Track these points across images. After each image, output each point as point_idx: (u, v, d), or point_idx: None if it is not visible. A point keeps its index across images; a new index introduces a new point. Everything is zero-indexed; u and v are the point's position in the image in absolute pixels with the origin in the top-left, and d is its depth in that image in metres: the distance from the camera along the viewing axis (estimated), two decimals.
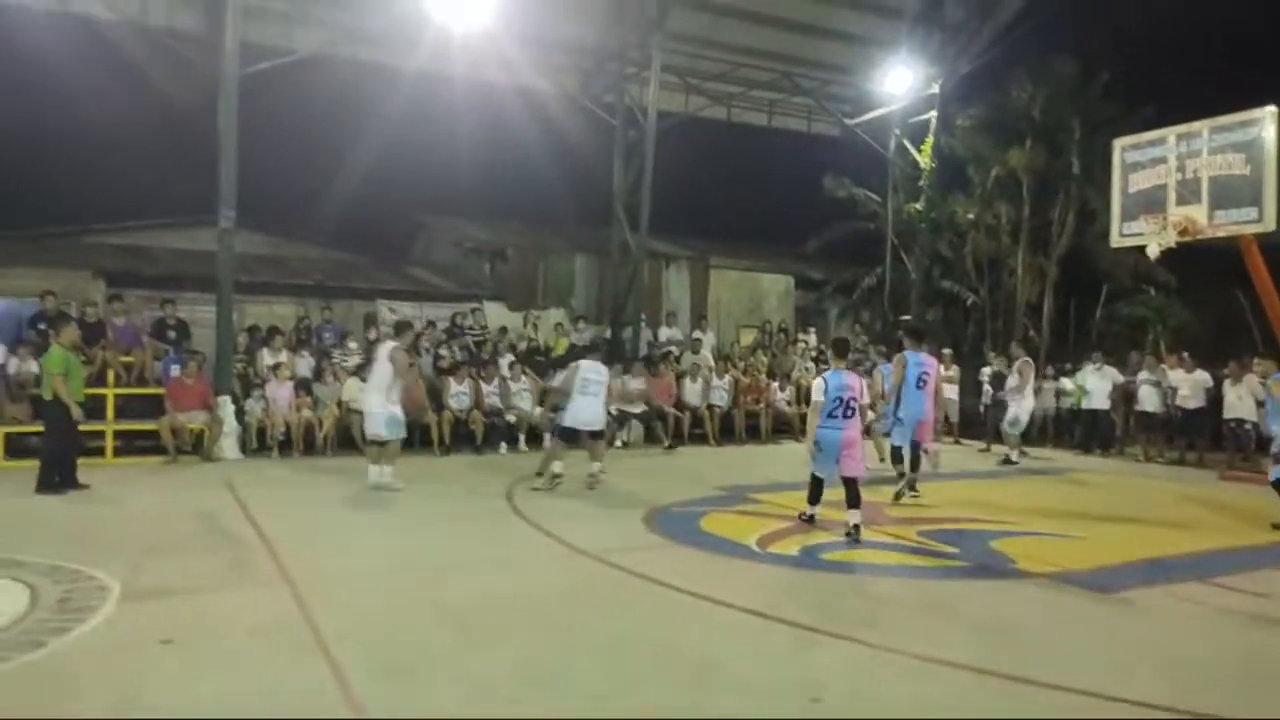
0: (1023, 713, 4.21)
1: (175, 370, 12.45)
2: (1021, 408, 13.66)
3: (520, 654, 4.77)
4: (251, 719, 3.92)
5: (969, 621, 5.57)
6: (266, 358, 13.35)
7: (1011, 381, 13.97)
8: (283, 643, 4.84)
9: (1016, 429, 13.64)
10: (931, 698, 4.36)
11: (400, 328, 10.57)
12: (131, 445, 12.20)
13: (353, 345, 14.28)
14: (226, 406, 12.38)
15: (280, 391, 12.74)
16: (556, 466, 10.15)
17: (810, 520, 8.25)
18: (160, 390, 12.30)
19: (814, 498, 8.24)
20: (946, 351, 15.69)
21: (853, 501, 7.82)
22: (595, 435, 10.49)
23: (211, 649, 4.74)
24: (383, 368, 9.90)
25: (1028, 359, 14.17)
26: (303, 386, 13.02)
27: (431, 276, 19.32)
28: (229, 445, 12.26)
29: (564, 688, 4.32)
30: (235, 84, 12.67)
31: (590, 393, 10.27)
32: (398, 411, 9.95)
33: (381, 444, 9.95)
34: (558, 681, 4.40)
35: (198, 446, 12.18)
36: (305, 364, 13.66)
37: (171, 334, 13.38)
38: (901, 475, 9.84)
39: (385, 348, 10.15)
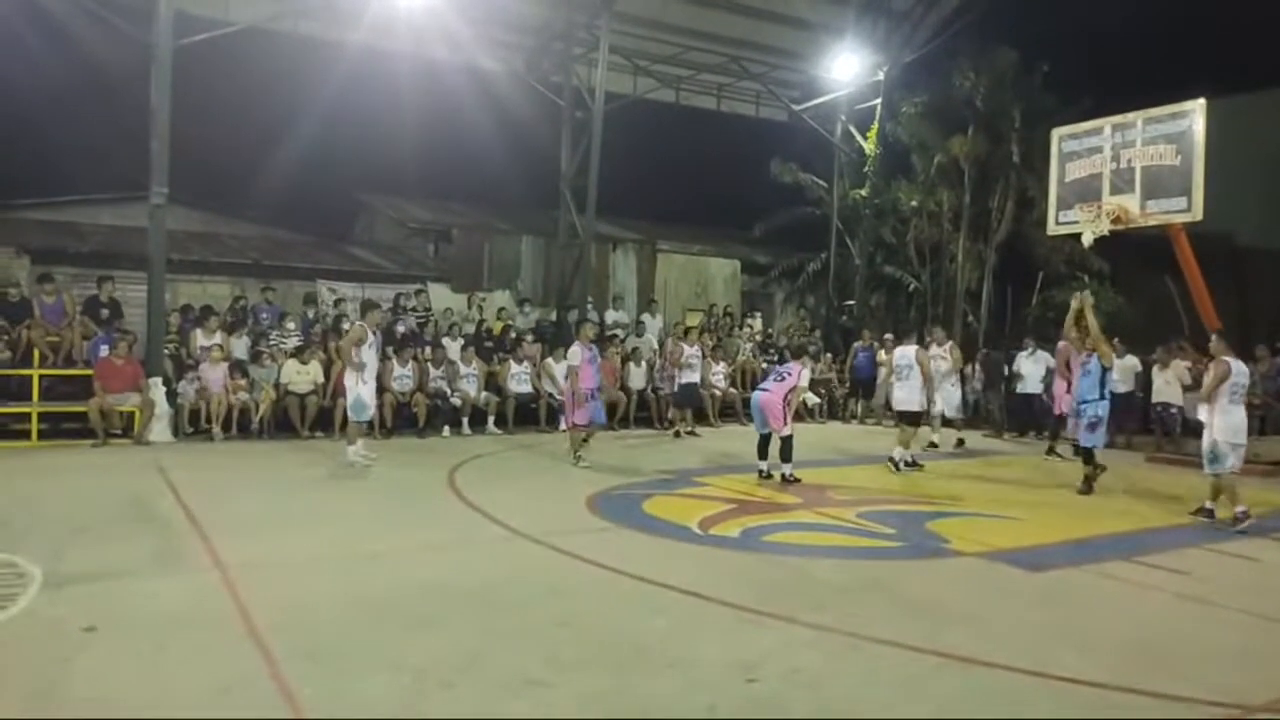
0: (956, 689, 4.30)
1: (105, 350, 12.07)
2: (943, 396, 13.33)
3: (456, 639, 4.72)
4: (179, 712, 3.82)
5: (904, 601, 5.67)
6: (200, 338, 13.01)
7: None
8: (212, 631, 4.72)
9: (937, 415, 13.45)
10: (866, 676, 4.42)
11: (366, 307, 10.81)
12: (58, 428, 11.83)
13: (290, 326, 13.98)
14: (158, 388, 12.05)
15: (214, 373, 12.44)
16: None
17: (762, 475, 9.87)
18: (89, 371, 11.92)
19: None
20: (888, 337, 15.91)
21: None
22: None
23: (137, 637, 4.60)
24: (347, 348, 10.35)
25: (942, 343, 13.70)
26: (238, 368, 12.72)
27: (374, 257, 18.99)
28: (160, 428, 11.94)
29: (499, 671, 4.29)
30: (169, 56, 12.29)
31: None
32: (364, 393, 10.17)
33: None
34: (493, 665, 4.37)
35: (128, 430, 11.84)
36: (241, 345, 13.35)
37: (104, 313, 12.96)
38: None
39: (355, 327, 10.44)
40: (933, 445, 13.20)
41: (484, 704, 3.95)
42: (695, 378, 14.64)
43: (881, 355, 16.19)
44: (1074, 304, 10.27)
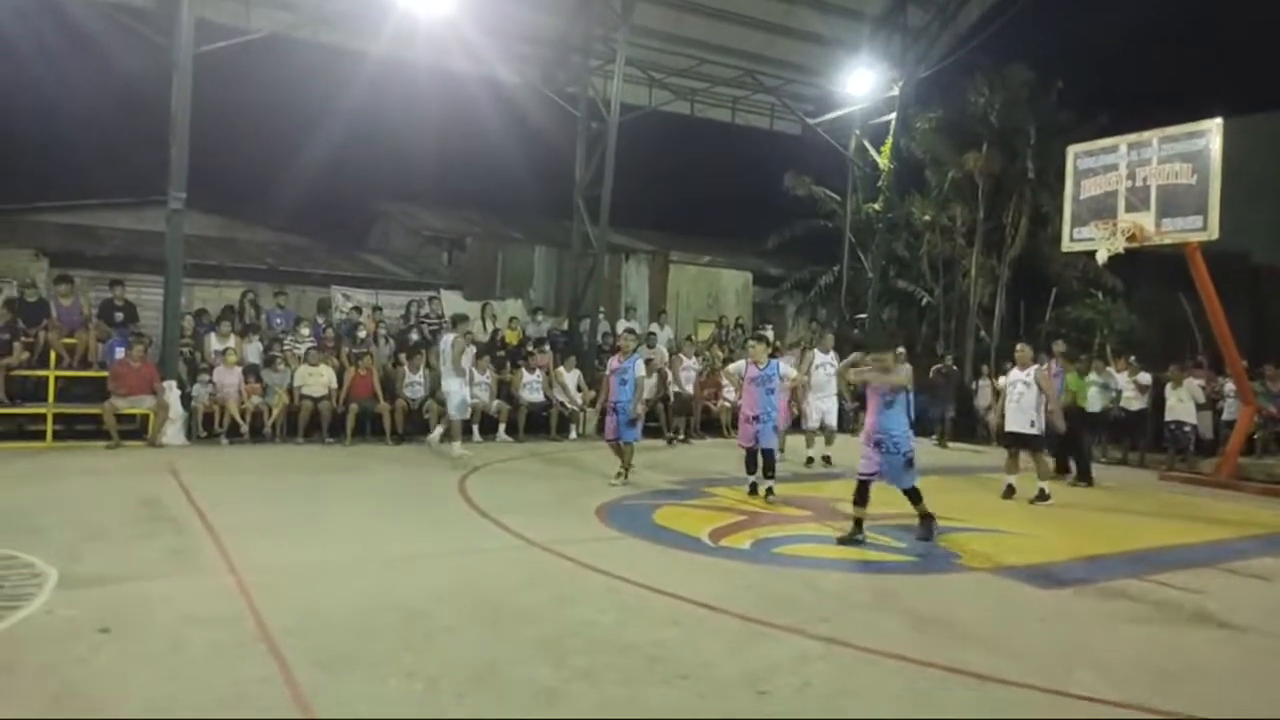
0: (967, 705, 4.28)
1: (120, 353, 12.16)
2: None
3: (468, 647, 4.73)
4: (192, 714, 3.84)
5: (915, 615, 5.65)
6: (214, 342, 13.10)
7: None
8: (225, 633, 4.75)
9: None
10: (877, 690, 4.41)
11: (457, 319, 12.46)
12: (73, 429, 11.91)
13: (304, 331, 14.05)
14: (172, 391, 12.12)
15: (228, 377, 12.51)
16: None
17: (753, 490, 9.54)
18: (104, 374, 12.01)
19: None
20: (901, 350, 15.87)
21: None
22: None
23: (151, 639, 4.63)
24: (446, 355, 11.83)
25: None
26: (251, 372, 12.79)
27: (388, 264, 19.10)
28: (174, 431, 12.01)
29: (511, 681, 4.30)
30: (190, 62, 12.40)
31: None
32: (467, 395, 12.06)
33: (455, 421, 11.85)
34: (505, 675, 4.38)
35: (142, 432, 11.91)
36: (254, 349, 13.43)
37: (119, 316, 13.06)
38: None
39: (446, 338, 12.07)
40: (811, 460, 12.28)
41: (496, 713, 3.96)
42: (689, 389, 15.07)
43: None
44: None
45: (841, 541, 7.50)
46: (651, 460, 12.03)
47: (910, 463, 7.65)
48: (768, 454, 9.43)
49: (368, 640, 4.76)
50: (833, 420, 12.49)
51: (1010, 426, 10.40)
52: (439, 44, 15.81)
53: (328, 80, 17.79)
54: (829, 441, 12.33)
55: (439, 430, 12.33)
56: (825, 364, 12.22)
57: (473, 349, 12.08)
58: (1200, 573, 7.01)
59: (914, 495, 7.73)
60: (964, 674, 4.60)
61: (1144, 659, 5.01)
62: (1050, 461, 10.32)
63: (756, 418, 9.45)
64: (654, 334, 17.24)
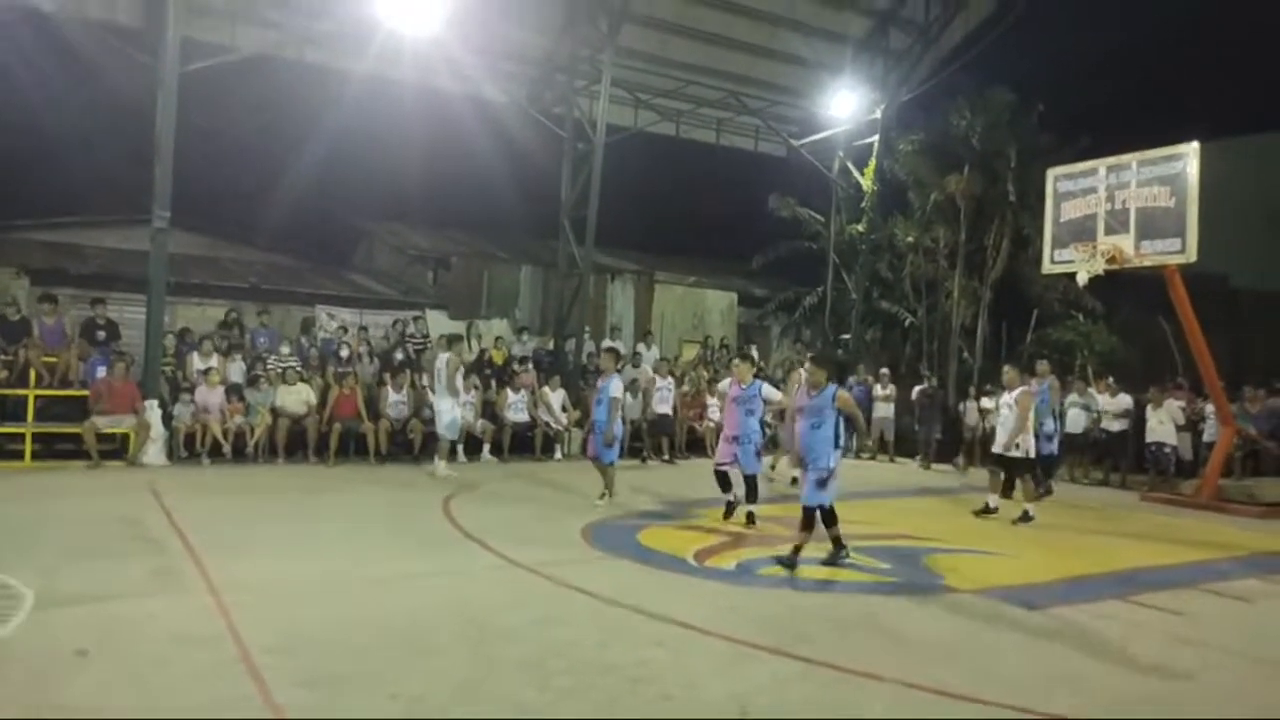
0: None
1: (102, 371, 12.07)
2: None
3: (451, 667, 4.70)
4: None
5: (899, 636, 5.66)
6: (196, 362, 13.02)
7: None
8: (206, 653, 4.70)
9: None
10: (860, 711, 4.41)
11: (452, 340, 12.66)
12: (52, 449, 11.78)
13: (285, 351, 13.97)
14: (154, 410, 12.03)
15: (210, 396, 12.43)
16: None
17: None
18: (84, 393, 11.91)
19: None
20: (884, 371, 15.98)
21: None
22: None
23: (130, 659, 4.58)
24: (441, 374, 11.88)
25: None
26: (234, 392, 12.72)
27: (373, 283, 19.08)
28: (155, 451, 11.91)
29: (494, 701, 4.28)
30: (175, 81, 12.39)
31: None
32: (458, 415, 12.14)
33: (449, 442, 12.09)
34: (488, 694, 4.35)
35: (122, 451, 11.81)
36: (237, 369, 13.36)
37: (101, 334, 12.97)
38: None
39: (441, 357, 12.09)
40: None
41: None
42: (667, 409, 15.14)
43: (878, 390, 16.28)
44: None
45: (825, 563, 7.41)
46: (636, 481, 12.01)
47: (822, 482, 7.31)
48: (750, 479, 9.16)
49: (349, 660, 4.72)
50: None
51: (995, 448, 10.48)
52: (425, 63, 15.88)
53: (313, 99, 17.83)
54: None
55: (441, 462, 11.96)
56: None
57: (460, 370, 12.15)
58: (1182, 594, 7.05)
59: (820, 516, 7.38)
60: (947, 695, 4.61)
61: (1127, 681, 5.03)
62: (1031, 483, 10.35)
63: (736, 438, 9.25)
64: (639, 354, 17.27)
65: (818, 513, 7.38)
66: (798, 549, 7.38)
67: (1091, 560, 8.28)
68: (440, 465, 11.84)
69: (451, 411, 11.94)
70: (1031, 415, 10.29)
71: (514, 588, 6.46)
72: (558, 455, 14.42)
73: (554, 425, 14.63)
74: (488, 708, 4.20)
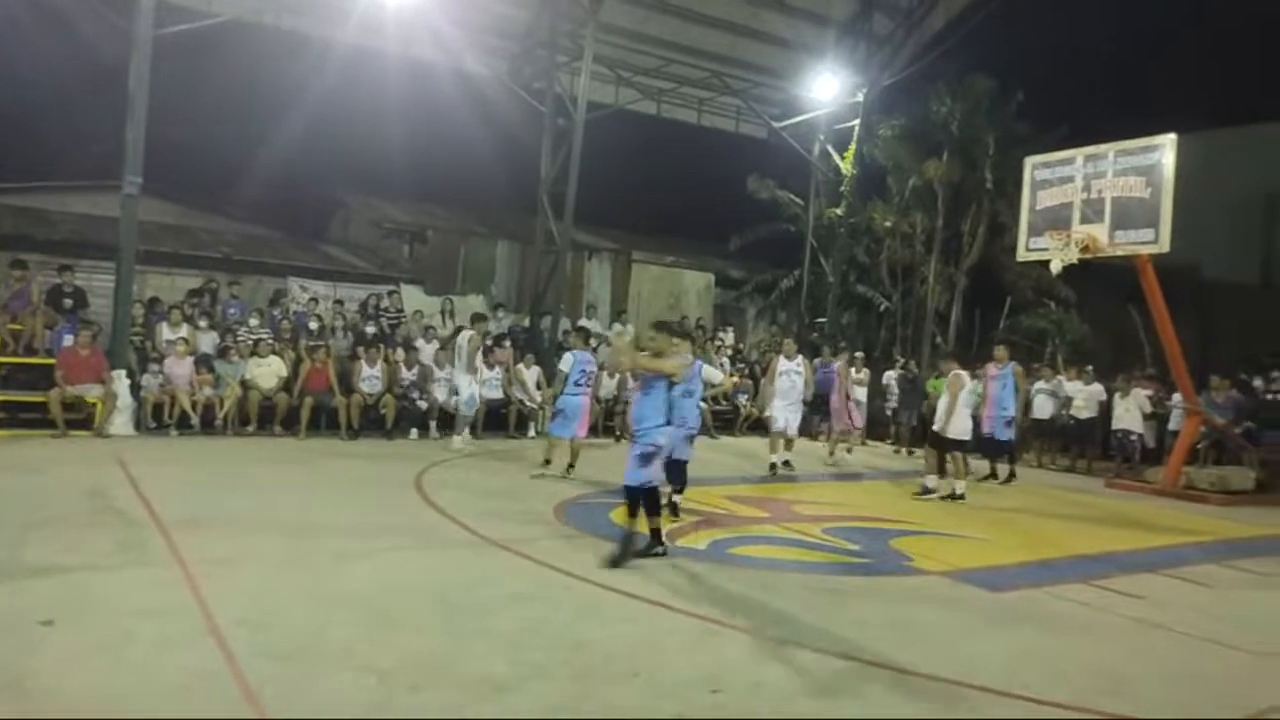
0: (918, 706, 4.35)
1: (68, 340, 11.87)
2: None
3: (423, 642, 4.70)
4: (140, 706, 3.77)
5: (868, 616, 5.72)
6: (165, 332, 12.84)
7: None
8: (173, 626, 4.66)
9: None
10: (830, 691, 4.46)
11: (476, 318, 12.96)
12: (16, 418, 11.58)
13: (254, 323, 13.80)
14: (121, 380, 11.86)
15: (179, 367, 12.28)
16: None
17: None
18: (50, 361, 11.71)
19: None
20: (859, 355, 16.07)
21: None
22: None
23: (97, 632, 4.53)
24: (463, 351, 12.23)
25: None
26: (204, 363, 12.56)
27: (348, 255, 18.85)
28: (123, 421, 11.75)
29: (465, 676, 4.28)
30: (149, 44, 12.13)
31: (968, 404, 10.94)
32: (476, 391, 12.55)
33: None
34: (459, 670, 4.35)
35: (89, 421, 11.64)
36: (208, 340, 13.19)
37: (68, 302, 12.75)
38: None
39: (464, 334, 12.48)
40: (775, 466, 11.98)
41: (450, 708, 3.94)
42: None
43: (851, 373, 16.33)
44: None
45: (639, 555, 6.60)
46: (609, 459, 12.01)
47: (645, 458, 6.60)
48: (675, 464, 8.28)
49: (319, 634, 4.70)
50: (794, 429, 12.24)
51: (934, 427, 10.89)
52: (406, 33, 15.68)
53: (291, 67, 17.49)
54: (788, 446, 12.20)
55: (458, 436, 12.49)
56: (789, 370, 12.05)
57: (481, 348, 12.70)
58: (1145, 578, 7.18)
59: (642, 498, 6.64)
60: (916, 675, 4.67)
61: (1092, 662, 5.13)
62: (962, 462, 10.61)
63: (669, 421, 8.47)
64: (616, 333, 17.23)
65: (640, 494, 6.58)
66: (656, 533, 6.74)
67: (1056, 544, 8.41)
68: (456, 440, 12.35)
69: (470, 388, 12.38)
70: (965, 397, 10.49)
71: (485, 564, 6.46)
72: (531, 433, 14.40)
73: (528, 403, 14.60)
74: (460, 683, 4.20)
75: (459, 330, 13.50)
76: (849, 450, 13.77)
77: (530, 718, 3.90)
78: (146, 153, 12.24)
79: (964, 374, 10.70)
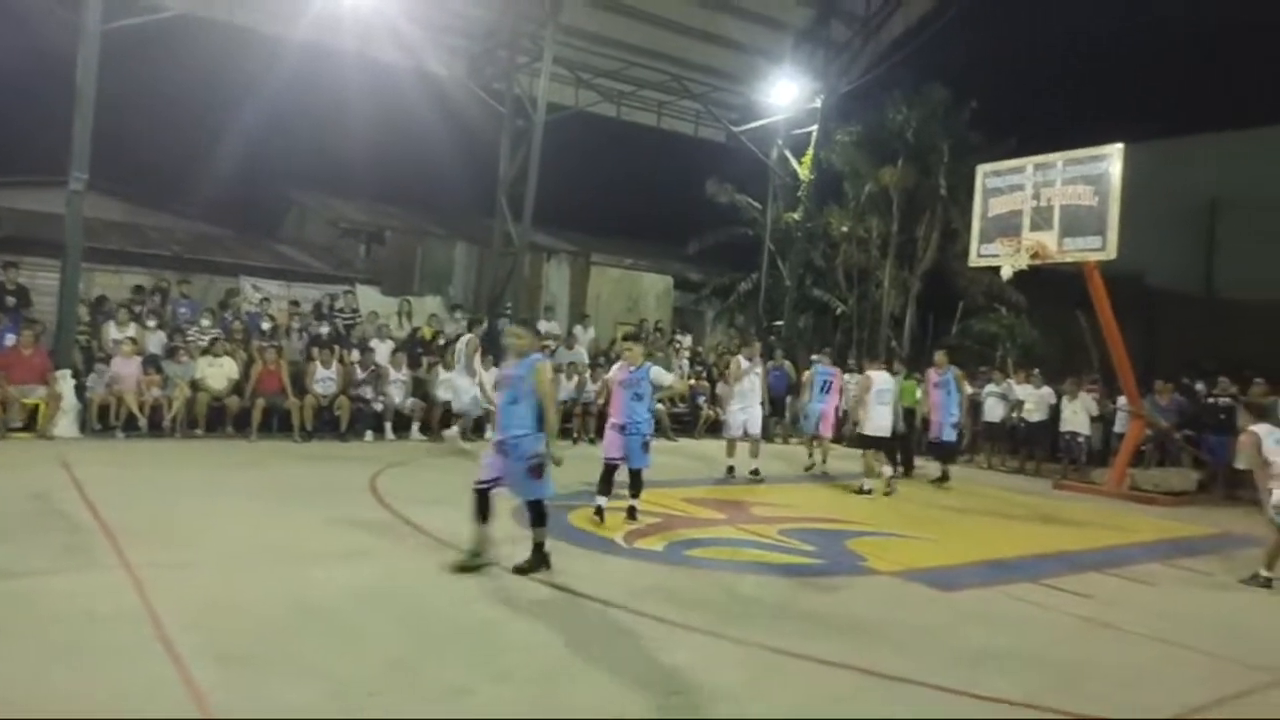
0: (873, 706, 4.41)
1: (10, 339, 11.54)
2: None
3: (379, 646, 4.65)
4: (86, 713, 3.68)
5: (823, 617, 5.78)
6: (112, 331, 12.55)
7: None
8: (120, 632, 4.56)
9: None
10: (787, 691, 4.50)
11: (473, 323, 13.73)
12: None
13: (205, 324, 13.55)
14: (66, 381, 11.56)
15: (126, 367, 12.00)
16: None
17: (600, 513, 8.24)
18: None
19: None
20: (814, 358, 16.19)
21: None
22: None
23: (42, 639, 4.41)
24: (461, 354, 12.69)
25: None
26: (152, 363, 12.29)
27: (302, 255, 18.60)
28: (67, 423, 11.45)
29: (423, 680, 4.25)
30: (97, 38, 11.85)
31: (884, 401, 11.21)
32: (477, 393, 12.55)
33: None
34: (417, 674, 4.32)
35: (32, 423, 11.33)
36: (156, 340, 12.92)
37: (10, 300, 12.40)
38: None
39: (464, 337, 12.99)
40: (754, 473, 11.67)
41: (408, 713, 3.90)
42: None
43: (806, 375, 16.42)
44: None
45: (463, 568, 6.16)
46: (567, 462, 11.97)
47: (537, 470, 6.18)
48: (635, 474, 8.37)
49: (272, 639, 4.63)
50: (756, 429, 11.90)
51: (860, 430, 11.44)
52: (364, 31, 15.51)
53: (245, 63, 17.23)
54: (754, 454, 11.74)
55: (453, 430, 12.87)
56: (750, 372, 11.91)
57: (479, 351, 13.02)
58: (1092, 577, 7.35)
59: (535, 511, 6.25)
60: (872, 675, 4.73)
61: (1043, 660, 5.23)
62: (874, 460, 11.15)
63: (623, 427, 8.35)
64: (574, 335, 17.20)
65: (542, 505, 6.23)
66: (539, 546, 6.28)
67: (1006, 545, 8.56)
68: (453, 430, 12.84)
69: (470, 390, 12.69)
70: (877, 395, 11.09)
71: (443, 566, 6.40)
72: (488, 434, 14.27)
73: (486, 405, 14.48)
74: (417, 687, 4.17)
75: (458, 336, 13.95)
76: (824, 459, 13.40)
77: (487, 718, 3.88)
78: (94, 148, 11.97)
79: (876, 375, 11.33)
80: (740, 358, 12.30)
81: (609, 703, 4.15)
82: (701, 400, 16.83)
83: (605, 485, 8.33)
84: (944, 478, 12.38)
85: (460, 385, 12.88)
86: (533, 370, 6.19)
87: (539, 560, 6.24)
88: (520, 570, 6.14)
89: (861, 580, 6.92)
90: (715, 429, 16.12)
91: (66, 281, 12.03)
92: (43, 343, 11.73)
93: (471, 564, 6.17)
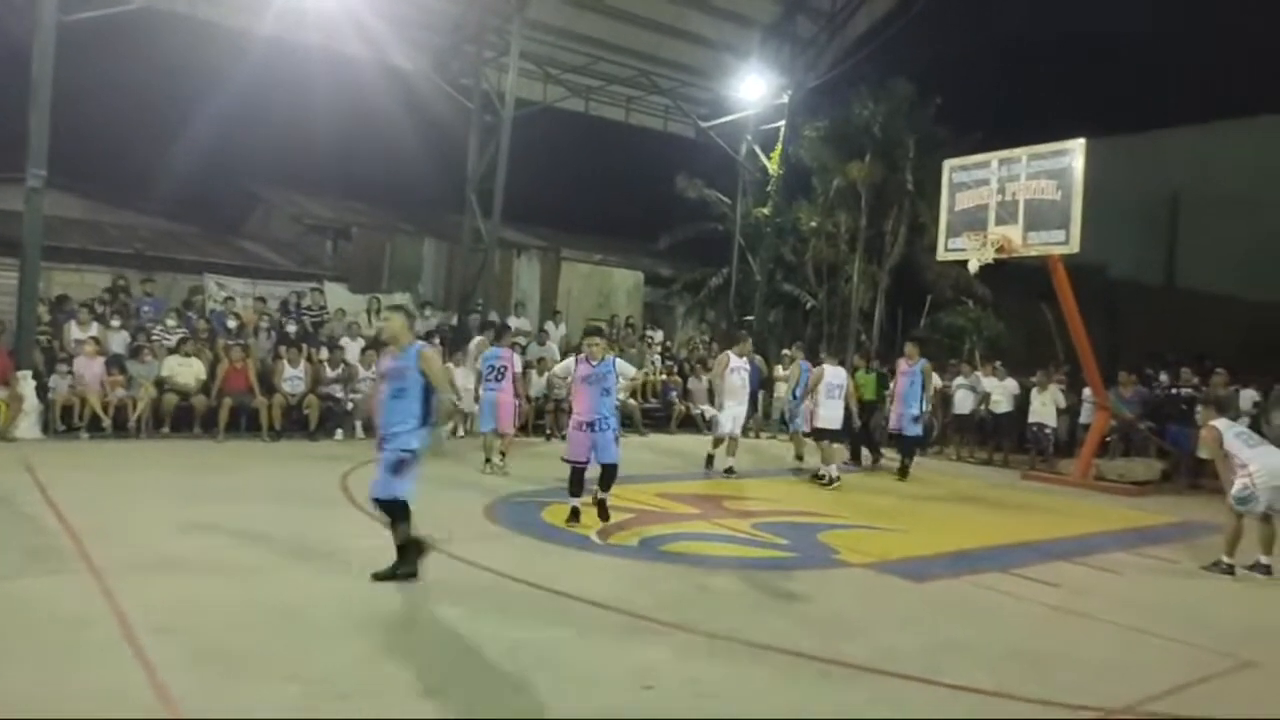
0: (848, 696, 4.44)
1: None
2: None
3: (350, 647, 4.61)
4: (55, 716, 3.62)
5: (796, 609, 5.82)
6: (74, 331, 12.32)
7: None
8: (88, 637, 4.49)
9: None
10: (762, 683, 4.53)
11: (484, 326, 13.57)
12: None
13: (171, 323, 13.34)
14: (27, 382, 11.34)
15: (89, 368, 11.79)
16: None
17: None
18: None
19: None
20: (785, 353, 16.29)
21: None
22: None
23: (8, 643, 4.34)
24: (471, 356, 12.52)
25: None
26: (115, 363, 12.09)
27: (267, 252, 18.36)
28: (29, 424, 11.25)
29: (395, 681, 4.22)
30: (53, 31, 11.61)
31: (833, 395, 11.49)
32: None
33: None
34: (389, 675, 4.29)
35: None
36: (119, 339, 12.70)
37: None
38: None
39: (475, 339, 12.85)
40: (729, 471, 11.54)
41: (379, 714, 3.88)
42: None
43: (779, 370, 16.52)
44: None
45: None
46: (540, 458, 11.97)
47: (400, 467, 5.85)
48: (609, 469, 8.19)
49: (241, 641, 4.58)
50: (739, 428, 11.87)
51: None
52: (328, 25, 15.34)
53: (207, 57, 16.91)
54: (731, 452, 11.57)
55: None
56: (739, 368, 11.72)
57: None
58: (1060, 566, 7.46)
59: (391, 511, 5.85)
60: (846, 666, 4.77)
61: (1013, 648, 5.30)
62: (831, 449, 11.42)
63: (593, 424, 8.01)
64: (546, 331, 17.15)
65: (395, 507, 5.84)
66: (401, 548, 5.87)
67: (975, 535, 8.67)
68: (442, 437, 12.98)
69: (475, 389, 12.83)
70: (820, 389, 11.47)
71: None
72: (460, 433, 14.22)
73: (454, 402, 14.43)
74: (389, 687, 4.14)
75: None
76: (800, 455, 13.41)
77: (462, 718, 3.86)
78: (53, 144, 11.73)
79: (829, 369, 11.73)
80: (731, 354, 12.14)
81: (583, 698, 4.15)
82: (673, 395, 16.86)
83: (577, 486, 8.13)
84: (903, 470, 12.32)
85: (470, 386, 12.72)
86: (418, 359, 5.86)
87: (404, 563, 5.76)
88: (379, 577, 5.70)
89: (834, 573, 6.97)
90: (687, 423, 16.16)
91: (25, 281, 11.79)
92: (3, 343, 11.50)
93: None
